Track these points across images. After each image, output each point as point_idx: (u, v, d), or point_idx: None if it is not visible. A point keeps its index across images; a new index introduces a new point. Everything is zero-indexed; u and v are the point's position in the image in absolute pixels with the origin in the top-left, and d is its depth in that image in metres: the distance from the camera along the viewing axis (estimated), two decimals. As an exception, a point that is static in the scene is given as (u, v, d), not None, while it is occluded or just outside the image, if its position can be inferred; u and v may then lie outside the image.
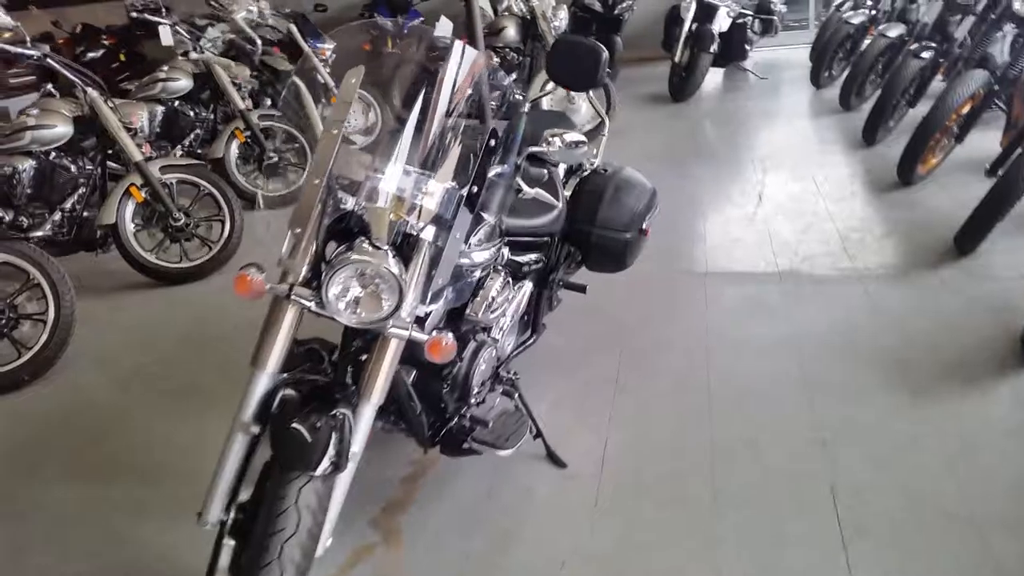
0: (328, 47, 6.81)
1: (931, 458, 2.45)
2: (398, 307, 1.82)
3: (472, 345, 2.40)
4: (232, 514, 1.86)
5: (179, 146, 5.53)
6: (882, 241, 4.07)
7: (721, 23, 7.17)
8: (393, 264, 1.79)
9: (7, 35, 3.87)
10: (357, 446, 1.89)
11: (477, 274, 2.29)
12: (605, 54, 3.12)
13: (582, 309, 3.52)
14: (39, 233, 4.27)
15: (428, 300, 1.93)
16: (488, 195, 2.10)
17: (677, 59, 7.27)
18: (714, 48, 7.05)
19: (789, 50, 8.89)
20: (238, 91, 5.44)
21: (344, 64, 1.96)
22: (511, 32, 6.67)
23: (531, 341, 3.01)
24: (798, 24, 9.31)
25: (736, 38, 7.45)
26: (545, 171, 2.34)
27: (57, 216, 4.34)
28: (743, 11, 7.41)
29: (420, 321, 2.08)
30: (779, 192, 4.89)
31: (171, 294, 4.37)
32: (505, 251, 2.51)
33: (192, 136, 5.60)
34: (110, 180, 4.47)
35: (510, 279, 2.49)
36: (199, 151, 5.60)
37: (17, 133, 4.16)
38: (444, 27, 2.95)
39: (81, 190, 4.38)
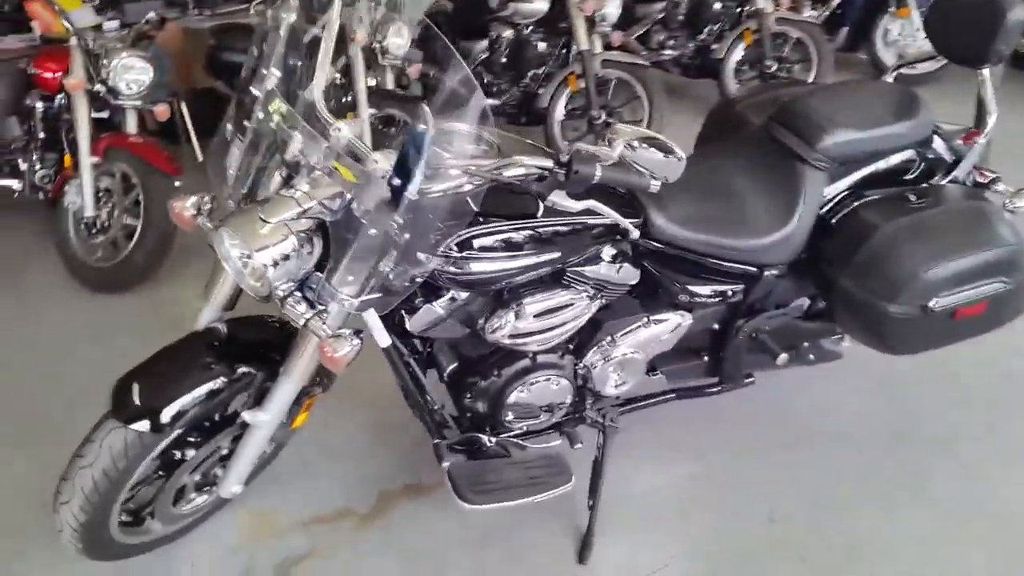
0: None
1: None
2: (270, 294, 1.57)
3: (521, 364, 1.92)
4: None
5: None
6: None
7: None
8: (270, 250, 1.52)
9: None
10: (270, 414, 1.77)
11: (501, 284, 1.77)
12: (1012, 15, 1.91)
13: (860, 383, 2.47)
14: (495, 101, 4.68)
15: (359, 294, 1.60)
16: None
17: None
18: None
19: None
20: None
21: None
22: None
23: (711, 390, 2.25)
24: None
25: None
26: (648, 178, 1.58)
27: (516, 88, 4.66)
28: None
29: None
30: None
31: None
32: (599, 268, 1.85)
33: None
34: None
35: (583, 300, 1.85)
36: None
37: (505, 3, 4.53)
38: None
39: (540, 69, 4.59)
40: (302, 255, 1.58)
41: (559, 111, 4.46)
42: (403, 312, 1.80)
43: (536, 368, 1.94)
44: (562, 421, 2.10)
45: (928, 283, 1.86)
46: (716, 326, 2.15)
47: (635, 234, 1.78)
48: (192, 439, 1.81)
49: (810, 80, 4.79)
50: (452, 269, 1.67)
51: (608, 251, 1.88)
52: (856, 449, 2.38)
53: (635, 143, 1.55)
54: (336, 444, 2.35)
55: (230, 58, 4.73)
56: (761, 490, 2.23)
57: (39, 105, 3.58)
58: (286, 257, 1.55)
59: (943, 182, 2.10)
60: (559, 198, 1.61)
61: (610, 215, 1.69)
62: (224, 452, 1.91)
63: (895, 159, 2.10)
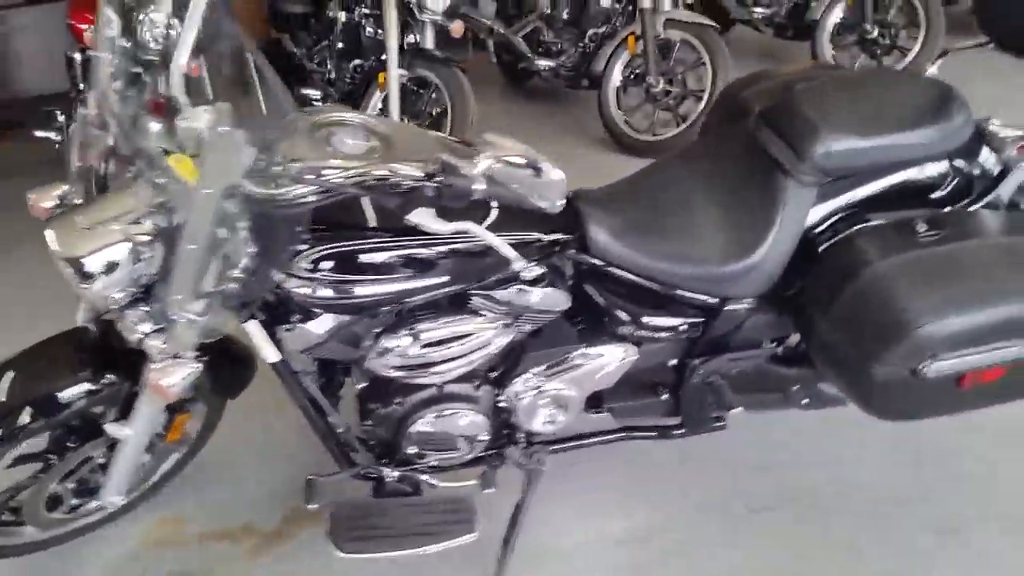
0: None
1: None
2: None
3: (426, 393, 1.67)
4: None
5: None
6: None
7: None
8: (90, 257, 1.33)
9: None
10: (132, 429, 1.61)
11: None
12: None
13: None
14: (550, 62, 4.36)
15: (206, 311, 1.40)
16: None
17: None
18: None
19: None
20: None
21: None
22: None
23: (674, 432, 1.92)
24: None
25: None
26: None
27: (574, 49, 4.31)
28: None
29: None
30: None
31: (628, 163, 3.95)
32: (504, 292, 1.56)
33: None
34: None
35: (493, 328, 1.57)
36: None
37: None
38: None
39: (603, 28, 4.21)
40: (145, 262, 1.39)
41: (615, 76, 4.05)
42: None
43: (443, 399, 1.68)
44: (484, 456, 1.83)
45: (922, 341, 1.44)
46: (674, 361, 1.81)
47: (519, 264, 1.46)
48: (63, 445, 1.69)
49: (915, 50, 4.15)
50: (305, 291, 1.42)
51: (530, 272, 1.58)
52: (849, 517, 1.97)
53: (505, 158, 1.25)
54: (265, 446, 2.18)
55: (292, 9, 4.61)
56: (717, 562, 1.88)
57: (77, 57, 3.56)
58: (116, 264, 1.36)
59: (977, 205, 1.65)
60: (424, 218, 1.32)
61: (491, 241, 1.39)
62: (101, 461, 1.77)
63: (919, 172, 1.66)
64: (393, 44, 3.60)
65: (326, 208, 1.37)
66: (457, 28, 3.94)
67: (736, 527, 1.95)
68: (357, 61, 4.11)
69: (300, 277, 1.40)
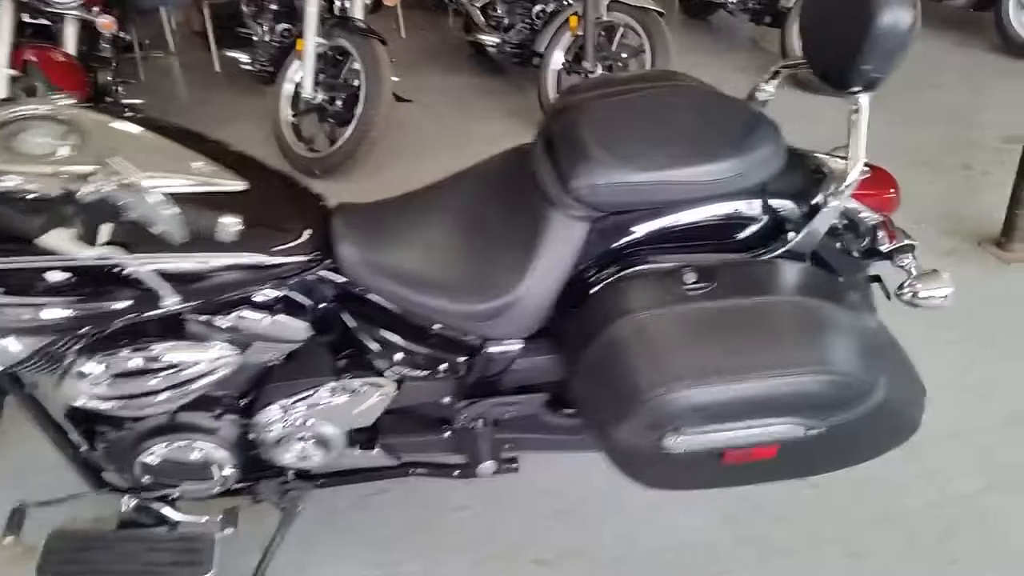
0: None
1: None
2: None
3: (156, 421, 1.52)
4: None
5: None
6: None
7: None
8: None
9: None
10: None
11: None
12: (884, 21, 1.21)
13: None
14: (494, 38, 4.16)
15: None
16: None
17: None
18: None
19: None
20: None
21: None
22: None
23: (461, 472, 1.73)
24: None
25: None
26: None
27: (523, 25, 4.09)
28: None
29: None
30: None
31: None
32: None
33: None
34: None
35: (214, 356, 1.40)
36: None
37: None
38: None
39: (552, 4, 3.97)
40: None
41: (556, 58, 3.81)
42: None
43: (175, 428, 1.52)
44: (241, 489, 1.68)
45: (663, 411, 1.23)
46: (447, 399, 1.62)
47: (171, 300, 1.27)
48: None
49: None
50: None
51: (264, 295, 1.41)
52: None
53: (125, 183, 1.07)
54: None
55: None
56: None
57: None
58: None
59: (782, 249, 1.42)
60: (60, 241, 1.15)
61: (137, 271, 1.20)
62: None
63: (721, 208, 1.44)
64: (312, 10, 3.44)
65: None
66: (391, -6, 3.73)
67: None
68: (285, 25, 3.92)
69: None
